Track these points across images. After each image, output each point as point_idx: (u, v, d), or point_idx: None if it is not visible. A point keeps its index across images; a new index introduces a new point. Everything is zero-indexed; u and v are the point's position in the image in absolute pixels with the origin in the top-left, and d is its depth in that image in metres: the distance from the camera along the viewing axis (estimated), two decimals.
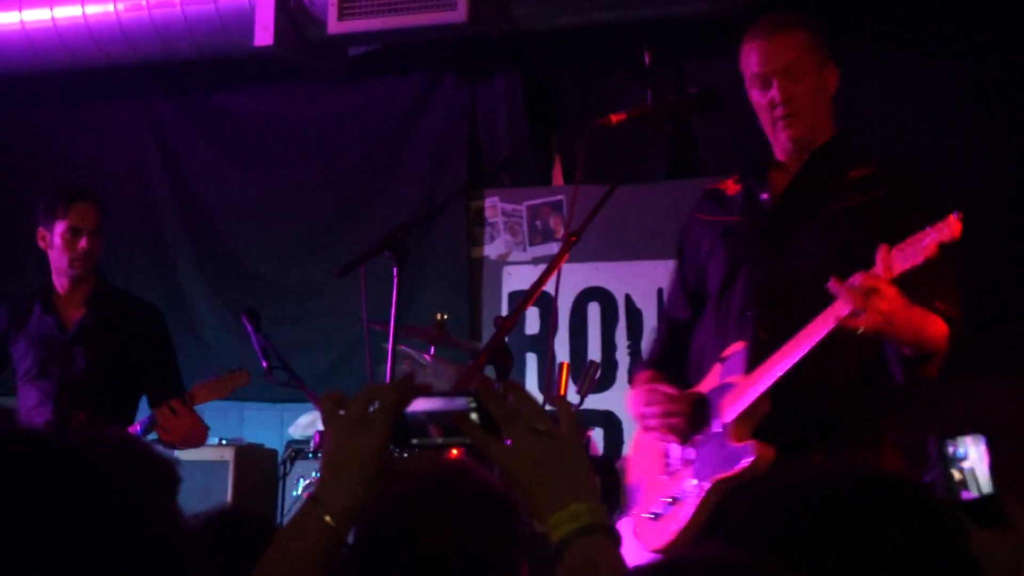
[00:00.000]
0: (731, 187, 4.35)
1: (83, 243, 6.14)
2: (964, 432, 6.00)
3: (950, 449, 6.00)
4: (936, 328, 3.88)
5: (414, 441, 2.29)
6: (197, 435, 6.02)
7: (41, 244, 6.22)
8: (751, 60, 4.16)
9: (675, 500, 4.11)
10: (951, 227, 3.55)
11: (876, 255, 3.67)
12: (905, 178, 4.11)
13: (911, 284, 3.73)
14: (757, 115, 4.22)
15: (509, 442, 2.19)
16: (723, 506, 4.01)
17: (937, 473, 5.83)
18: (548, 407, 2.28)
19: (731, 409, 3.99)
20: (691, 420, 4.15)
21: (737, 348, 4.08)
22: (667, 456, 4.21)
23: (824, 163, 4.17)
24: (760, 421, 3.96)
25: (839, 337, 3.77)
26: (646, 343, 4.63)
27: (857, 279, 3.66)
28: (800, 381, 3.89)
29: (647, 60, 4.23)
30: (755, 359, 3.98)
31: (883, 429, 4.08)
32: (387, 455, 2.24)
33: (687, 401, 4.16)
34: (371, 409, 2.25)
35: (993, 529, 4.85)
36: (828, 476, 1.91)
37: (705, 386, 4.17)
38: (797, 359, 3.83)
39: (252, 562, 2.24)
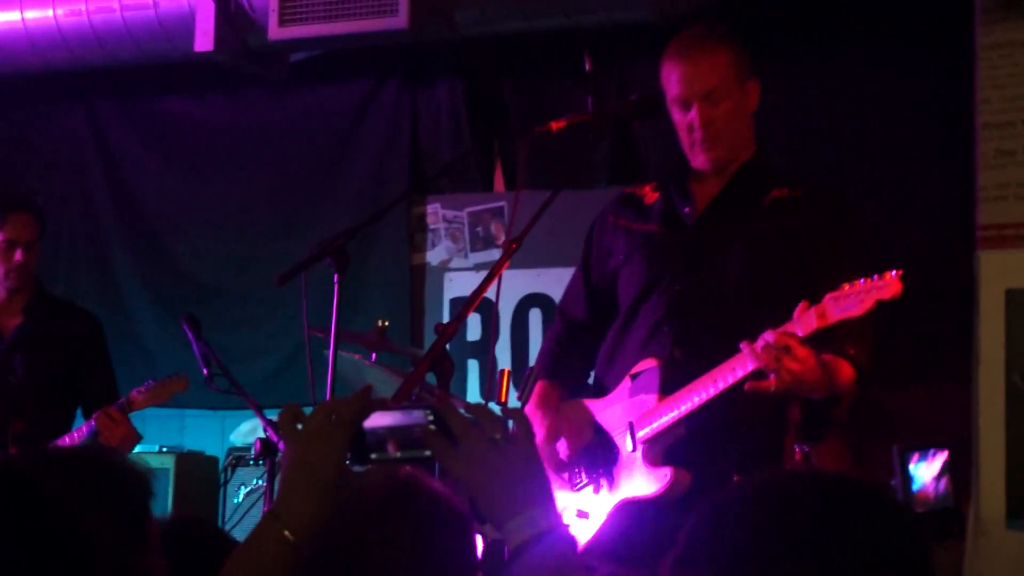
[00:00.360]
0: (649, 194, 4.32)
1: (18, 256, 6.10)
2: (927, 443, 6.07)
3: (912, 459, 6.05)
4: (843, 374, 3.93)
5: (372, 455, 2.29)
6: (131, 442, 5.99)
7: None
8: (671, 81, 4.14)
9: (582, 514, 4.10)
10: (892, 287, 3.58)
11: (795, 311, 3.68)
12: (826, 203, 4.13)
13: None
14: (676, 132, 4.20)
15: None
16: (634, 526, 4.00)
17: (897, 482, 5.88)
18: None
19: (646, 431, 3.98)
20: (584, 448, 4.13)
21: (649, 365, 4.05)
22: (571, 470, 4.19)
23: (745, 182, 4.16)
24: (672, 444, 3.97)
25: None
26: (544, 340, 4.61)
27: (769, 337, 3.66)
28: (710, 413, 3.91)
29: (588, 65, 4.21)
30: (669, 379, 3.98)
31: (784, 441, 4.09)
32: (345, 469, 2.25)
33: (585, 426, 4.15)
34: (329, 423, 2.26)
35: (947, 541, 4.90)
36: (780, 484, 1.91)
37: (612, 400, 4.15)
38: (712, 396, 3.85)
39: (205, 571, 2.24)
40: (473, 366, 7.64)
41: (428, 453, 2.25)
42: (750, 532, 1.83)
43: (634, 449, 3.99)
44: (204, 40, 7.32)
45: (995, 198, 6.10)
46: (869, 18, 6.92)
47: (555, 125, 4.03)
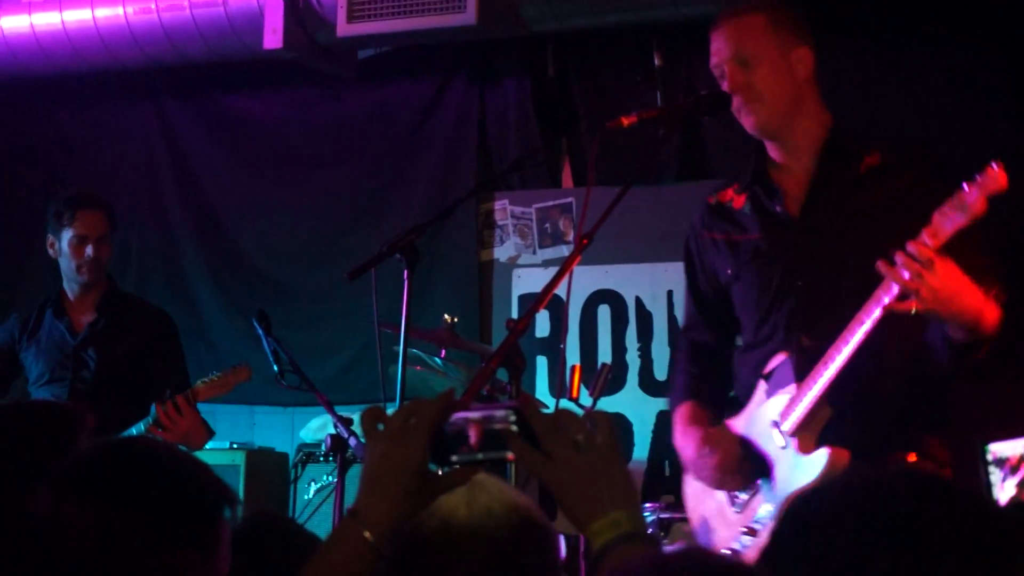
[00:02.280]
0: (736, 199, 4.23)
1: (89, 250, 6.17)
2: (1010, 434, 6.01)
3: (992, 453, 6.00)
4: (991, 313, 3.78)
5: (453, 457, 2.29)
6: (198, 436, 6.01)
7: (51, 252, 6.29)
8: (710, 54, 4.10)
9: (751, 531, 4.02)
10: (994, 178, 3.46)
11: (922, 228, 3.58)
12: (923, 159, 4.01)
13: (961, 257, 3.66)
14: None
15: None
16: None
17: (979, 475, 5.82)
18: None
19: (792, 421, 3.90)
20: (740, 460, 4.08)
21: (779, 359, 4.00)
22: (728, 490, 4.12)
23: (834, 158, 4.06)
24: (823, 427, 3.87)
25: (886, 333, 3.70)
26: (673, 368, 4.54)
27: (904, 254, 3.56)
28: (860, 378, 3.81)
29: (657, 61, 4.19)
30: (802, 366, 3.89)
31: (935, 428, 4.02)
32: (425, 470, 2.25)
33: (734, 442, 4.10)
34: (410, 424, 2.26)
35: None
36: (870, 486, 1.87)
37: (752, 408, 4.07)
38: (850, 355, 3.74)
39: (288, 566, 2.25)
40: (542, 362, 7.63)
41: (509, 455, 2.24)
42: (833, 537, 1.80)
43: (785, 445, 3.92)
44: (273, 37, 7.35)
45: None
46: (950, 9, 6.86)
47: (626, 120, 3.98)
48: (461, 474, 2.29)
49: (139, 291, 7.72)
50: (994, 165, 3.46)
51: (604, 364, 6.20)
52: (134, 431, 5.86)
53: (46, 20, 7.91)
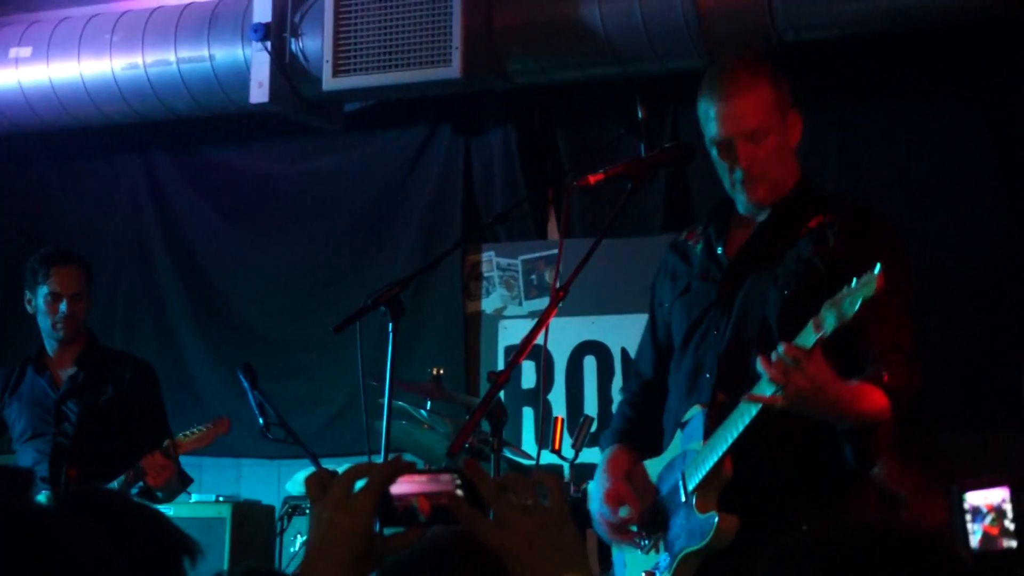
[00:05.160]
0: (695, 239, 4.27)
1: (63, 307, 6.22)
2: (985, 483, 6.03)
3: (968, 501, 6.02)
4: (871, 402, 3.75)
5: (399, 521, 2.28)
6: (175, 483, 6.03)
7: (28, 308, 6.34)
8: (710, 123, 4.03)
9: (649, 574, 4.06)
10: (870, 283, 3.43)
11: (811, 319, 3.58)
12: (858, 226, 3.99)
13: (857, 348, 3.71)
14: (717, 171, 4.12)
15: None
16: None
17: (954, 523, 5.84)
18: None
19: (694, 479, 3.92)
20: (650, 508, 4.09)
21: (695, 412, 4.02)
22: (642, 532, 4.12)
23: (785, 213, 4.06)
24: (723, 488, 3.87)
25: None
26: (620, 402, 4.56)
27: (780, 350, 3.56)
28: (763, 443, 3.81)
29: (642, 114, 4.20)
30: (714, 423, 3.89)
31: (862, 488, 4.02)
32: (372, 534, 2.24)
33: (646, 494, 4.11)
34: (356, 488, 2.25)
35: None
36: (845, 536, 1.88)
37: (668, 454, 4.09)
38: (746, 425, 3.74)
39: None
40: (528, 414, 7.64)
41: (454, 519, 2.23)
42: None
43: (686, 500, 3.95)
44: (259, 92, 7.39)
45: None
46: (919, 64, 6.91)
47: (593, 178, 4.02)
48: (407, 536, 2.28)
49: (125, 343, 7.73)
50: (876, 271, 3.44)
51: (586, 416, 6.22)
52: (119, 480, 5.87)
53: (33, 75, 7.95)
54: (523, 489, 2.19)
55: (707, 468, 3.86)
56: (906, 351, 3.86)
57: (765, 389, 3.66)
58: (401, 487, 2.25)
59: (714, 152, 4.06)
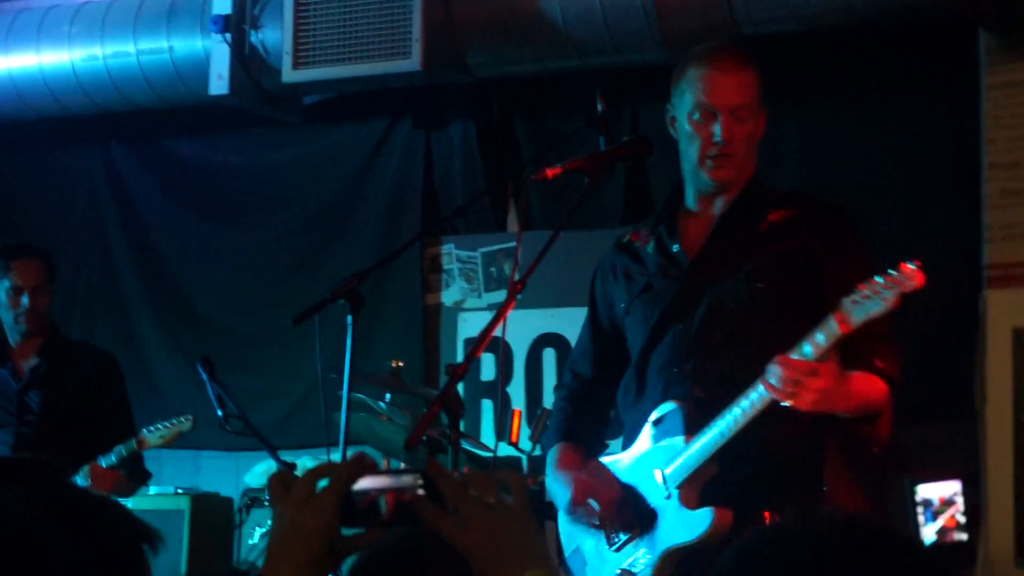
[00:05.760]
0: (643, 238, 4.26)
1: (25, 300, 6.22)
2: (937, 476, 6.07)
3: (920, 493, 6.06)
4: (875, 389, 3.86)
5: (362, 520, 2.29)
6: (124, 485, 6.05)
7: None
8: (698, 87, 4.04)
9: (626, 573, 4.04)
10: (914, 278, 3.50)
11: (804, 338, 3.64)
12: (825, 220, 4.06)
13: (848, 338, 3.71)
14: (682, 144, 4.12)
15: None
16: (680, 573, 3.94)
17: (907, 514, 5.88)
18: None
19: (678, 475, 3.93)
20: (619, 504, 4.10)
21: (671, 408, 4.03)
22: (611, 529, 4.12)
23: (741, 210, 4.10)
24: (706, 483, 3.91)
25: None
26: (556, 399, 4.56)
27: (781, 370, 3.61)
28: (748, 438, 3.84)
29: (601, 106, 4.22)
30: (694, 419, 3.92)
31: (833, 478, 4.05)
32: (335, 533, 2.25)
33: (612, 486, 4.11)
34: (318, 488, 2.26)
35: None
36: (812, 528, 1.88)
37: (636, 451, 4.09)
38: (741, 425, 3.79)
39: None
40: (488, 406, 7.65)
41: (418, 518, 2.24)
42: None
43: (668, 496, 3.95)
44: (219, 84, 7.37)
45: (1002, 238, 6.13)
46: (878, 57, 6.95)
47: (551, 172, 4.04)
48: (369, 536, 2.29)
49: (84, 335, 7.72)
50: (911, 265, 3.51)
51: (544, 409, 6.22)
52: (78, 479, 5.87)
53: None
54: (485, 487, 2.21)
55: (695, 464, 3.87)
56: (889, 337, 3.94)
57: (755, 395, 3.75)
58: (364, 485, 2.26)
59: (687, 124, 4.06)
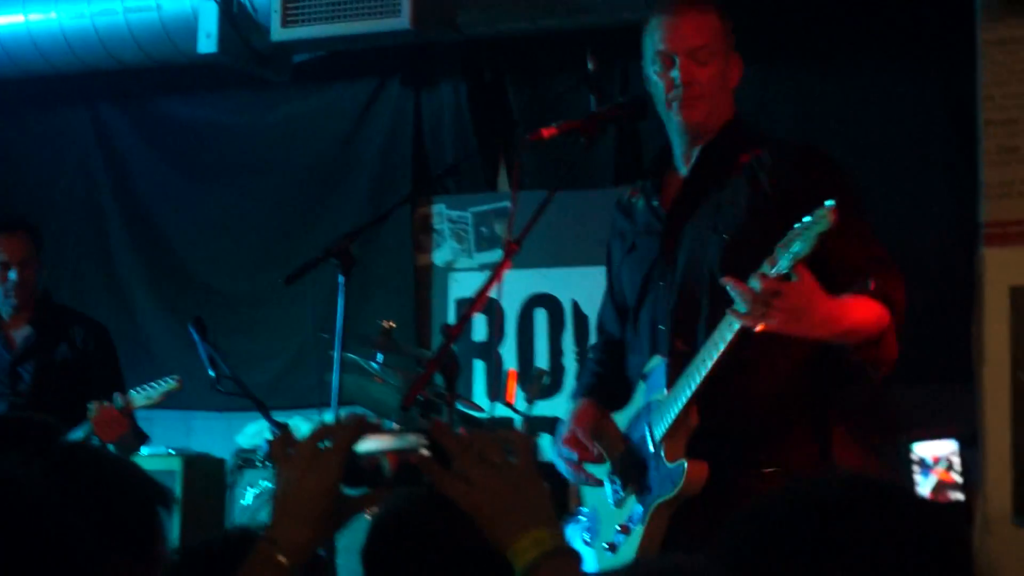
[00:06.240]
0: (637, 195, 4.25)
1: (13, 275, 6.18)
2: (933, 435, 6.08)
3: (916, 452, 6.07)
4: (869, 311, 3.75)
5: (365, 480, 2.29)
6: (130, 439, 6.03)
7: None
8: (656, 36, 4.02)
9: (624, 528, 4.06)
10: (828, 216, 3.42)
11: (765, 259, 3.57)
12: (793, 162, 3.98)
13: (837, 280, 3.70)
14: (655, 98, 4.08)
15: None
16: (674, 528, 3.94)
17: (900, 475, 5.88)
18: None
19: (661, 428, 3.92)
20: (621, 460, 4.10)
21: (655, 363, 4.03)
22: (614, 484, 4.16)
23: (713, 156, 4.04)
24: (691, 436, 3.88)
25: (766, 341, 3.68)
26: (588, 358, 4.57)
27: (748, 290, 3.55)
28: (730, 390, 3.83)
29: (591, 65, 4.20)
30: (676, 371, 3.90)
31: (830, 432, 4.04)
32: (338, 494, 2.25)
33: (616, 440, 4.11)
34: (321, 448, 2.26)
35: None
36: (824, 488, 1.87)
37: (632, 406, 4.10)
38: (710, 369, 3.75)
39: None
40: (479, 367, 7.64)
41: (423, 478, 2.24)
42: (794, 538, 1.80)
43: (655, 450, 3.96)
44: (207, 42, 7.33)
45: (999, 195, 6.12)
46: (873, 16, 6.92)
47: (546, 132, 4.02)
48: (372, 496, 2.30)
49: (74, 297, 7.69)
50: (826, 204, 3.44)
51: (539, 369, 6.23)
52: (75, 436, 5.84)
53: None
54: (490, 448, 2.21)
55: (673, 416, 3.87)
56: (887, 262, 3.86)
57: (726, 331, 3.69)
58: (367, 446, 2.26)
59: (653, 72, 4.04)
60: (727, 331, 3.70)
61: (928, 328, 6.57)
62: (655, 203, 4.14)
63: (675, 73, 3.98)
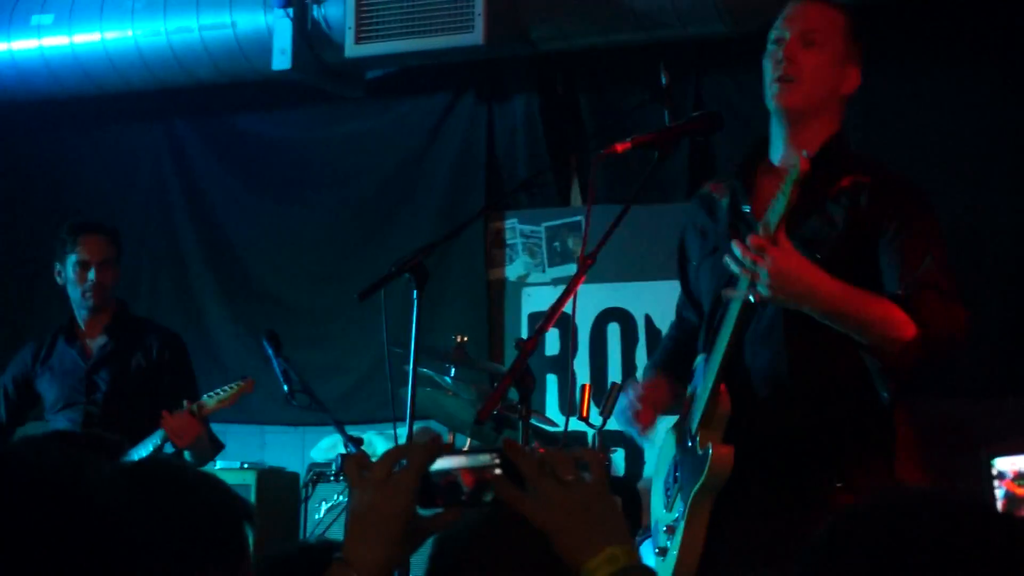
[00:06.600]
0: (721, 192, 4.20)
1: (92, 275, 6.25)
2: (1013, 449, 6.02)
3: (996, 466, 6.01)
4: (881, 309, 3.73)
5: (440, 500, 2.29)
6: (207, 448, 6.07)
7: (58, 280, 6.38)
8: (776, 23, 4.04)
9: (670, 529, 4.03)
10: (799, 164, 3.49)
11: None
12: (889, 190, 3.93)
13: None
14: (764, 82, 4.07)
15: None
16: (740, 541, 3.89)
17: (982, 490, 5.82)
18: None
19: (695, 418, 3.91)
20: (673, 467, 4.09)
21: (699, 361, 4.02)
22: (667, 490, 4.14)
23: (816, 172, 3.89)
24: (725, 425, 3.86)
25: (823, 343, 3.71)
26: (664, 336, 4.59)
27: (740, 245, 3.61)
28: (780, 394, 3.83)
29: (665, 80, 4.19)
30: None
31: (892, 446, 3.99)
32: (413, 515, 2.25)
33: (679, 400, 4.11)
34: (396, 469, 2.26)
35: None
36: (901, 505, 1.85)
37: (684, 407, 4.09)
38: (724, 351, 3.78)
39: None
40: (552, 381, 7.64)
41: (495, 497, 2.23)
42: (877, 557, 1.79)
43: (692, 443, 3.95)
44: (282, 59, 7.38)
45: None
46: (944, 28, 6.88)
47: (620, 147, 3.99)
48: (447, 516, 2.29)
49: (149, 311, 7.75)
50: (803, 153, 3.52)
51: (614, 383, 6.19)
52: (150, 445, 5.89)
53: (55, 42, 7.95)
54: (564, 465, 2.20)
55: (703, 404, 3.86)
56: (944, 290, 3.80)
57: (735, 308, 3.72)
58: (441, 466, 2.26)
59: (767, 58, 4.02)
60: (734, 309, 3.73)
61: (1006, 341, 6.53)
62: (746, 208, 4.08)
63: (781, 49, 3.98)
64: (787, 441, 3.86)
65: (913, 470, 5.95)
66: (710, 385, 3.84)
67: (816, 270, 3.66)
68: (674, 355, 4.34)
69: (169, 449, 5.93)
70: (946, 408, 5.98)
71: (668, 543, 4.02)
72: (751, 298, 3.69)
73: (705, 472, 3.84)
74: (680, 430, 4.09)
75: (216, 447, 6.28)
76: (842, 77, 4.05)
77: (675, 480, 4.08)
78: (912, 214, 3.83)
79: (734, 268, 3.67)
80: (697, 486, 3.87)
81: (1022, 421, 6.41)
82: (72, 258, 6.26)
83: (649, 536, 4.58)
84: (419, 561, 2.72)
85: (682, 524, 3.94)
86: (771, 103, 4.02)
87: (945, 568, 1.75)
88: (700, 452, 3.87)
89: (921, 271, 3.80)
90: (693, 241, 4.29)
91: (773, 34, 4.04)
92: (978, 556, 1.76)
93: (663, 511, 4.12)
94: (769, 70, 4.01)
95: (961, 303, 3.83)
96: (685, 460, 3.99)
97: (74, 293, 6.32)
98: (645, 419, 4.10)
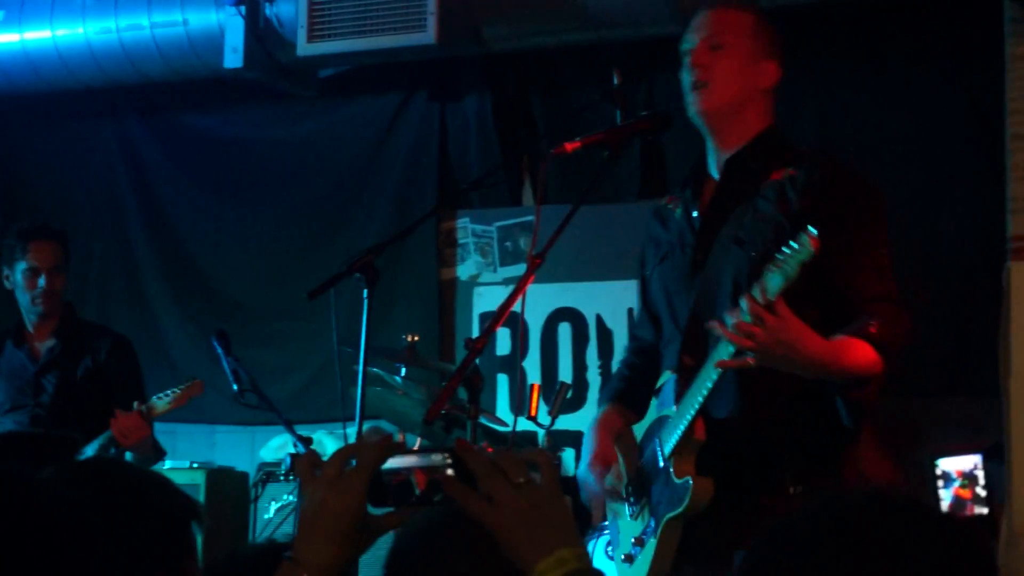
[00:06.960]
0: (676, 203, 4.19)
1: (42, 281, 6.23)
2: (958, 450, 6.05)
3: (940, 466, 6.05)
4: (858, 356, 3.70)
5: (391, 499, 2.29)
6: (149, 447, 6.04)
7: (6, 284, 6.36)
8: (684, 37, 4.02)
9: (639, 541, 4.05)
10: (811, 245, 3.40)
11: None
12: (823, 182, 3.89)
13: (841, 302, 3.71)
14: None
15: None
16: (696, 547, 3.89)
17: (924, 491, 5.86)
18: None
19: (669, 443, 3.89)
20: (635, 478, 4.06)
21: (667, 378, 4.00)
22: (630, 498, 4.13)
23: (743, 168, 3.97)
24: (698, 452, 3.85)
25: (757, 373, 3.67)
26: (619, 362, 4.56)
27: (735, 315, 3.54)
28: (742, 408, 3.82)
29: (617, 80, 4.19)
30: (683, 387, 3.87)
31: (850, 452, 4.00)
32: (364, 513, 2.25)
33: (631, 461, 4.06)
34: (347, 468, 2.26)
35: None
36: (846, 505, 1.86)
37: (648, 419, 4.07)
38: (710, 390, 3.73)
39: None
40: (503, 380, 7.64)
41: (446, 497, 2.23)
42: (815, 556, 1.79)
43: (664, 465, 3.94)
44: (233, 57, 7.35)
45: None
46: (900, 29, 6.91)
47: (570, 146, 3.99)
48: (398, 515, 2.29)
49: (99, 310, 7.72)
50: (810, 230, 3.42)
51: (562, 383, 6.22)
52: (95, 445, 5.87)
53: (5, 39, 7.89)
54: (514, 467, 2.19)
55: (679, 433, 3.85)
56: (894, 299, 3.83)
57: (723, 352, 3.66)
58: (392, 465, 2.26)
59: (682, 72, 4.01)
60: (724, 353, 3.68)
61: (954, 342, 6.57)
62: (694, 213, 4.08)
63: (689, 59, 3.98)
64: (742, 447, 3.87)
65: (879, 471, 5.99)
66: (688, 417, 3.81)
67: (810, 335, 3.62)
68: (629, 385, 4.33)
69: (112, 452, 5.90)
70: (892, 408, 6.01)
71: (636, 553, 4.02)
72: (750, 363, 3.62)
73: (685, 504, 3.81)
74: (646, 441, 4.08)
75: (159, 454, 6.26)
76: (756, 73, 4.02)
77: (637, 488, 4.07)
78: (848, 215, 3.81)
79: (726, 337, 3.60)
80: (673, 514, 3.86)
81: (968, 421, 6.46)
82: (21, 265, 6.24)
83: (600, 535, 4.58)
84: (368, 561, 2.71)
85: (653, 541, 3.94)
86: (691, 113, 4.02)
87: (877, 567, 1.76)
88: (678, 481, 3.85)
89: (877, 283, 3.81)
90: (649, 252, 4.28)
91: (682, 47, 4.03)
92: (911, 554, 1.78)
93: (628, 518, 4.11)
94: (685, 82, 4.01)
95: (906, 307, 3.85)
96: (657, 478, 3.97)
97: (23, 298, 6.30)
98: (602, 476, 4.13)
